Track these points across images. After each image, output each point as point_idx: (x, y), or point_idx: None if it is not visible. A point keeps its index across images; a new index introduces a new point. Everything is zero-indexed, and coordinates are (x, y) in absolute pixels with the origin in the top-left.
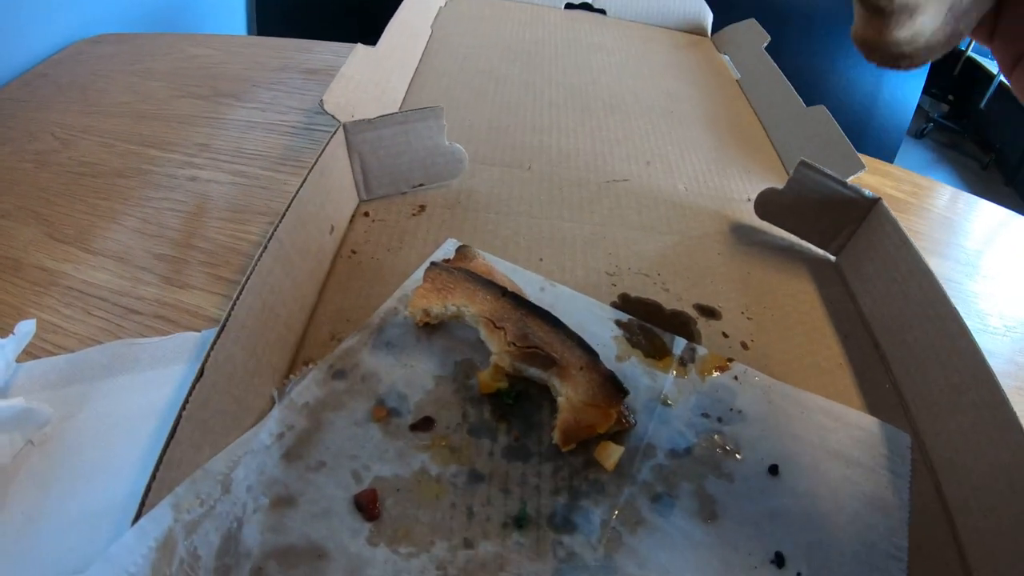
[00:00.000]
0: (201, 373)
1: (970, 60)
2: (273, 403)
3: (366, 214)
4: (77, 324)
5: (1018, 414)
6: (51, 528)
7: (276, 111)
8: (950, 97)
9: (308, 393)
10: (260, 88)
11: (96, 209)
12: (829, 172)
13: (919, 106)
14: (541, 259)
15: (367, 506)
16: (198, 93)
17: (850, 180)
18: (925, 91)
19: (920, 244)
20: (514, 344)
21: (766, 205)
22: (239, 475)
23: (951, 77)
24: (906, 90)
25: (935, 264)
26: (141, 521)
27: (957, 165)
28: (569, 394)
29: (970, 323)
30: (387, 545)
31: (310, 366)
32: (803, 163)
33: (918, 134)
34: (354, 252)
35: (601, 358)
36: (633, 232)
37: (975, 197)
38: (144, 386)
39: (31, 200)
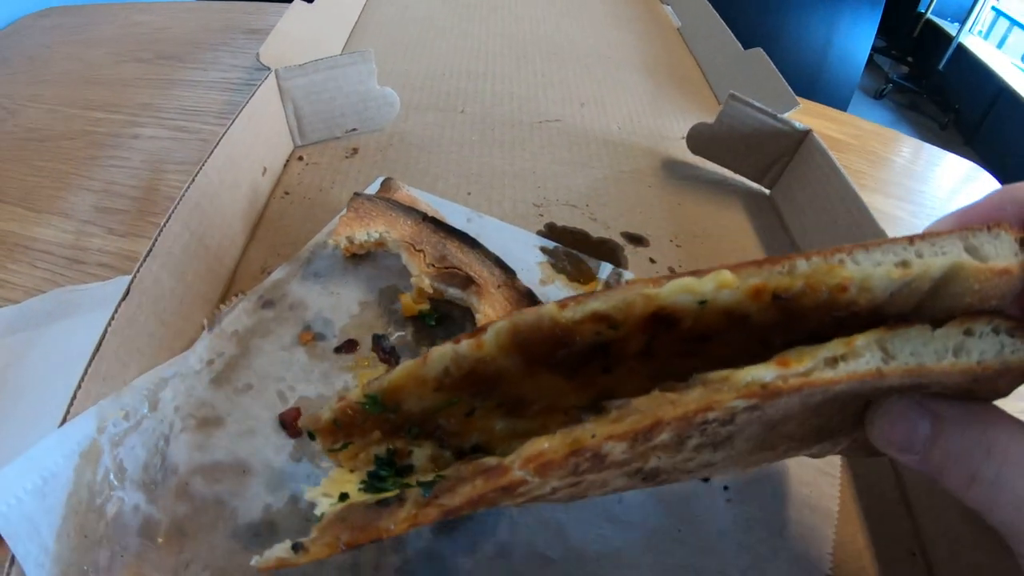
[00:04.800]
0: (127, 293)
1: (929, 22)
2: (203, 331)
3: (300, 158)
4: (23, 277)
5: None
6: None
7: (218, 69)
8: (909, 59)
9: (238, 322)
10: (203, 49)
11: (41, 171)
12: (759, 105)
13: (878, 67)
14: (469, 193)
15: (291, 424)
16: (141, 57)
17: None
18: (885, 52)
19: (861, 183)
20: (433, 265)
21: (698, 139)
22: (167, 395)
23: (911, 38)
24: (857, 44)
25: (876, 201)
26: (64, 427)
27: (916, 125)
28: (487, 311)
29: None
30: (309, 459)
31: (240, 296)
32: (733, 96)
33: (877, 95)
34: (287, 193)
35: (525, 282)
36: (563, 167)
37: (920, 141)
38: (86, 328)
39: None
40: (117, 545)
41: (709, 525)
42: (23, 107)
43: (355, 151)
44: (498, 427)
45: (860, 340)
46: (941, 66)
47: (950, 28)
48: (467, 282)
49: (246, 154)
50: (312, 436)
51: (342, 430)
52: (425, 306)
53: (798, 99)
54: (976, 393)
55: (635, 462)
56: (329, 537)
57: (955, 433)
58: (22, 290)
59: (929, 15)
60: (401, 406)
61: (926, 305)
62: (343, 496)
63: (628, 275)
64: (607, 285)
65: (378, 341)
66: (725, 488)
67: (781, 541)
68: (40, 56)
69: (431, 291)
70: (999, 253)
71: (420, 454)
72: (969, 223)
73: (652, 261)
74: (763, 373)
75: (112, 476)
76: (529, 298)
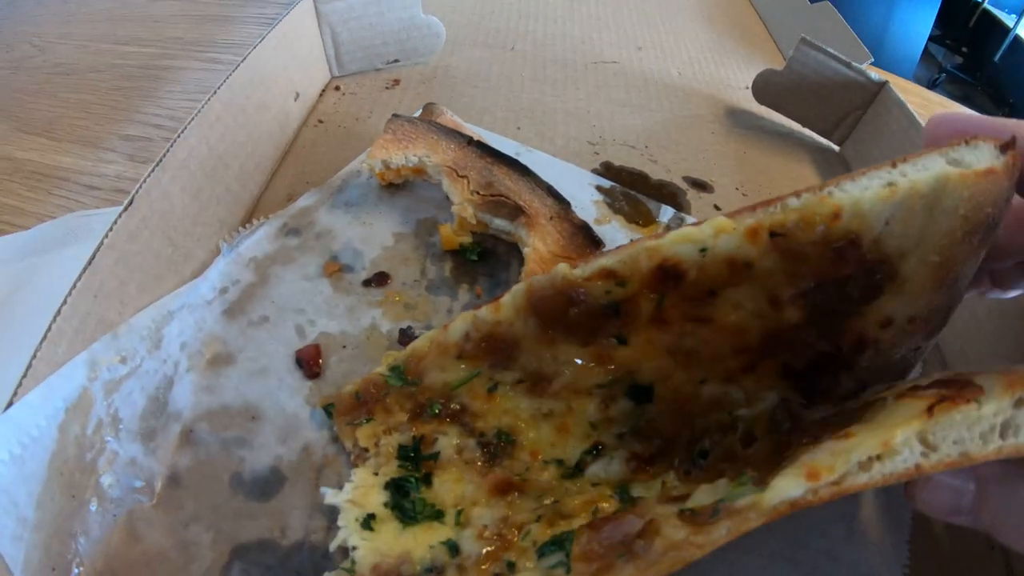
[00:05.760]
0: (130, 203)
1: (986, 12)
2: (218, 256)
3: (337, 88)
4: (37, 204)
5: None
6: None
7: (255, 5)
8: (964, 49)
9: (257, 248)
10: None
11: (66, 102)
12: (833, 52)
13: (932, 56)
14: (519, 127)
15: (309, 363)
16: None
17: None
18: (939, 41)
19: None
20: (478, 192)
21: (765, 87)
22: (172, 331)
23: (966, 28)
24: (917, 25)
25: None
26: (50, 379)
27: None
28: (537, 245)
29: None
30: (326, 413)
31: (261, 220)
32: (804, 40)
33: (930, 84)
34: (321, 121)
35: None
36: (619, 108)
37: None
38: None
39: (3, 101)
40: (109, 503)
41: None
42: (53, 44)
43: (396, 82)
44: (522, 407)
45: (899, 436)
46: (996, 58)
47: (1007, 19)
48: (516, 212)
49: (277, 76)
50: (329, 413)
51: (363, 405)
52: (467, 239)
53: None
54: None
55: None
56: None
57: (1003, 494)
58: (35, 217)
59: (986, 5)
60: (423, 378)
61: (927, 233)
62: (369, 519)
63: (691, 220)
64: (668, 228)
65: (405, 333)
66: None
67: (857, 524)
68: None
69: (474, 222)
70: (980, 159)
71: (445, 443)
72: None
73: (717, 208)
74: (791, 489)
75: (105, 428)
76: (585, 232)
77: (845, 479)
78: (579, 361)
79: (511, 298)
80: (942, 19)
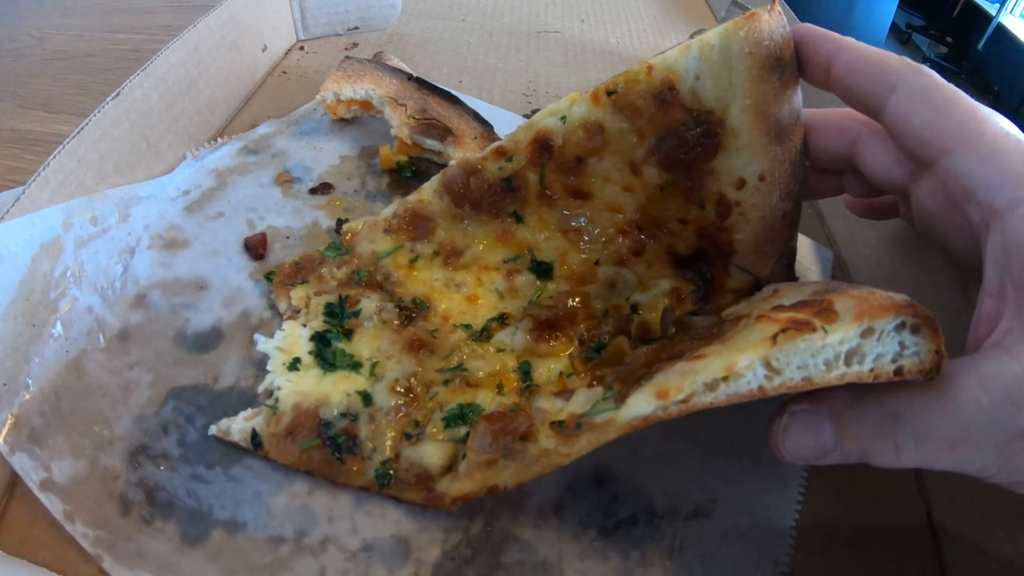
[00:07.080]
0: (117, 94)
1: (969, 2)
2: (183, 161)
3: (301, 47)
4: (38, 166)
5: None
6: None
7: None
8: (948, 39)
9: (219, 161)
10: None
11: (64, 82)
12: None
13: (916, 46)
14: (460, 81)
15: (255, 247)
16: None
17: None
18: (923, 31)
19: None
20: (413, 117)
21: None
22: (138, 212)
23: (950, 18)
24: (881, 6)
25: None
26: (30, 215)
27: None
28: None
29: None
30: (267, 279)
31: (226, 138)
32: (735, 3)
33: None
34: (285, 73)
35: None
36: (557, 69)
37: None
38: None
39: (7, 83)
40: (64, 340)
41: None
42: (51, 35)
43: (355, 45)
44: (437, 277)
45: (742, 361)
46: (980, 46)
47: (990, 8)
48: (445, 133)
49: (248, 25)
50: (269, 279)
51: (300, 271)
52: (403, 158)
53: None
54: None
55: None
56: (288, 456)
57: (858, 419)
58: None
59: None
60: (355, 248)
61: (734, 83)
62: (295, 362)
63: None
64: None
65: (341, 221)
66: None
67: (755, 412)
68: None
69: (410, 142)
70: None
71: (368, 304)
72: None
73: None
74: (643, 407)
75: (70, 275)
76: None
77: (692, 398)
78: (483, 231)
79: (429, 183)
80: (926, 9)
